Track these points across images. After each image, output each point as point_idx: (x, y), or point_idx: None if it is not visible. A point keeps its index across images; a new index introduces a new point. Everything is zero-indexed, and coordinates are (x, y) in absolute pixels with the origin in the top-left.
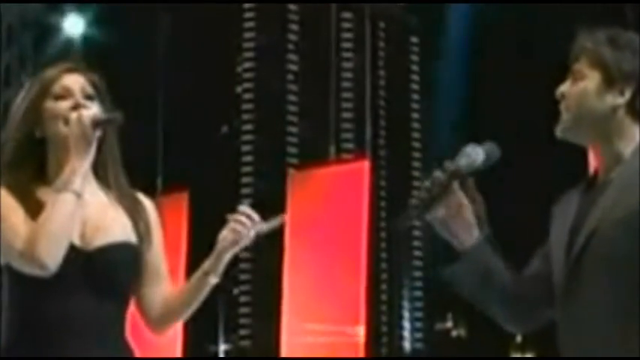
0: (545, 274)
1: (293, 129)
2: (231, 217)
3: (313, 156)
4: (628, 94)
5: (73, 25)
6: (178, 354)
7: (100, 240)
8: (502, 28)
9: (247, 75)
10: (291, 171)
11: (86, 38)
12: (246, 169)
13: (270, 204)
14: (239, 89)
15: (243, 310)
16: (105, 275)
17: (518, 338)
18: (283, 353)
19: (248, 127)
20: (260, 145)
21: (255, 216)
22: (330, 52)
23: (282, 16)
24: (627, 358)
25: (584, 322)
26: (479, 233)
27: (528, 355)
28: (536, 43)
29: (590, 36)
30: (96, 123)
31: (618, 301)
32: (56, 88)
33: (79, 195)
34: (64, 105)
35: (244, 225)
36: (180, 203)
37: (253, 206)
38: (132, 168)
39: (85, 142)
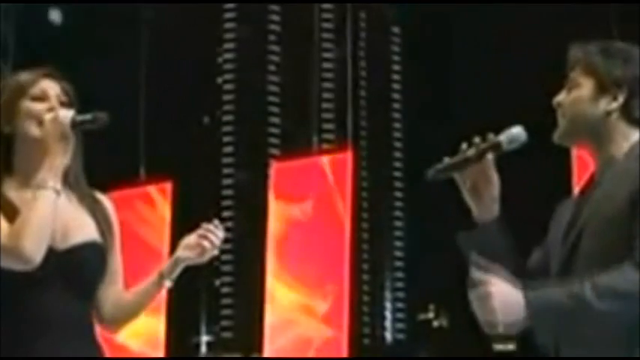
0: (543, 268)
1: (275, 119)
2: (202, 229)
3: (295, 146)
4: (620, 99)
5: (55, 16)
6: (161, 346)
7: (71, 239)
8: (482, 20)
9: (228, 66)
10: (272, 161)
11: (67, 29)
12: (228, 159)
13: (252, 194)
14: (220, 80)
15: (226, 301)
16: (77, 274)
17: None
18: (266, 345)
19: (229, 117)
20: (241, 136)
21: (222, 235)
22: (312, 43)
23: (263, 6)
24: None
25: None
26: (498, 211)
27: (510, 346)
28: (516, 36)
29: (584, 47)
30: (75, 123)
31: None
32: (34, 90)
33: (58, 192)
34: (40, 107)
35: (212, 243)
36: (164, 193)
37: (235, 197)
38: (115, 158)
39: (64, 141)
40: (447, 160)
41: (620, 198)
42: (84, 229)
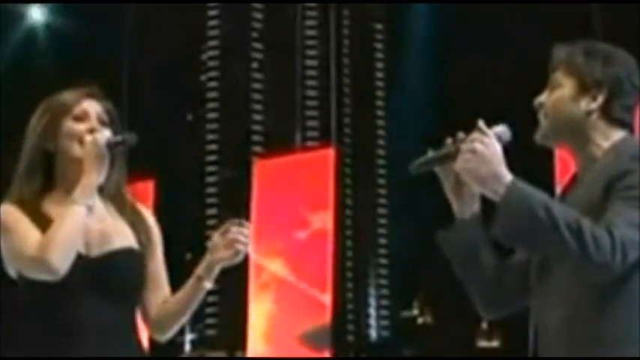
0: (524, 266)
1: (258, 117)
2: (233, 229)
3: (278, 144)
4: (600, 100)
5: (37, 12)
6: (144, 343)
7: (107, 246)
8: (471, 20)
9: (212, 63)
10: (256, 159)
11: (50, 26)
12: (211, 157)
13: (235, 192)
14: (203, 77)
15: (210, 299)
16: (111, 278)
17: (484, 325)
18: (250, 345)
19: (212, 115)
20: (225, 134)
21: (248, 232)
22: (295, 41)
23: (246, 4)
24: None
25: (549, 307)
26: (478, 209)
27: (494, 343)
28: (503, 36)
29: (566, 48)
30: (110, 145)
31: (578, 288)
32: (76, 110)
33: (90, 209)
34: (82, 127)
35: (243, 243)
36: (146, 191)
37: (218, 195)
38: None
39: (100, 161)
40: (430, 153)
41: (596, 192)
42: (120, 237)
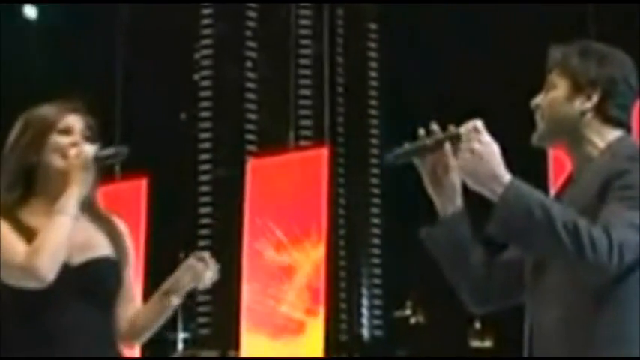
0: (516, 263)
1: (252, 116)
2: (200, 265)
3: (272, 143)
4: (594, 99)
5: (30, 10)
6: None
7: (87, 254)
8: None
9: (205, 62)
10: (249, 158)
11: (43, 24)
12: (205, 156)
13: (229, 191)
14: (197, 77)
15: (202, 298)
16: (94, 285)
17: (477, 325)
18: (243, 343)
19: (206, 114)
20: (218, 133)
21: (214, 267)
22: (289, 40)
23: (240, 3)
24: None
25: (543, 307)
26: (461, 204)
27: (487, 343)
28: (497, 35)
29: (561, 48)
30: (98, 158)
31: (573, 288)
32: (61, 125)
33: (76, 219)
34: (66, 141)
35: (204, 270)
36: (140, 190)
37: (212, 194)
38: None
39: (86, 173)
40: (406, 145)
41: (592, 192)
42: (99, 245)
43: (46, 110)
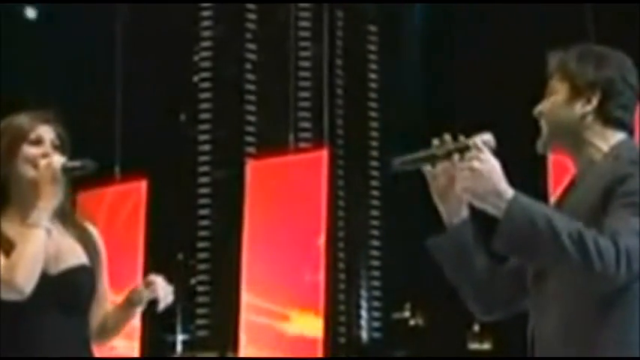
0: (521, 270)
1: (251, 118)
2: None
3: (271, 145)
4: (594, 102)
5: (30, 11)
6: (136, 344)
7: (63, 264)
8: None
9: (205, 64)
10: (248, 160)
11: (43, 25)
12: (204, 158)
13: (228, 193)
14: (196, 78)
15: (201, 299)
16: (71, 294)
17: (476, 328)
18: (242, 344)
19: (206, 115)
20: (217, 134)
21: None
22: (288, 41)
23: (240, 5)
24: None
25: (546, 314)
26: (467, 213)
27: (486, 345)
28: (498, 40)
29: (560, 54)
30: (66, 169)
31: (575, 296)
32: (32, 135)
33: (49, 231)
34: (36, 151)
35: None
36: (139, 191)
37: (211, 195)
38: (90, 156)
39: (55, 184)
40: (416, 153)
41: (595, 196)
42: (74, 254)
43: (19, 120)
